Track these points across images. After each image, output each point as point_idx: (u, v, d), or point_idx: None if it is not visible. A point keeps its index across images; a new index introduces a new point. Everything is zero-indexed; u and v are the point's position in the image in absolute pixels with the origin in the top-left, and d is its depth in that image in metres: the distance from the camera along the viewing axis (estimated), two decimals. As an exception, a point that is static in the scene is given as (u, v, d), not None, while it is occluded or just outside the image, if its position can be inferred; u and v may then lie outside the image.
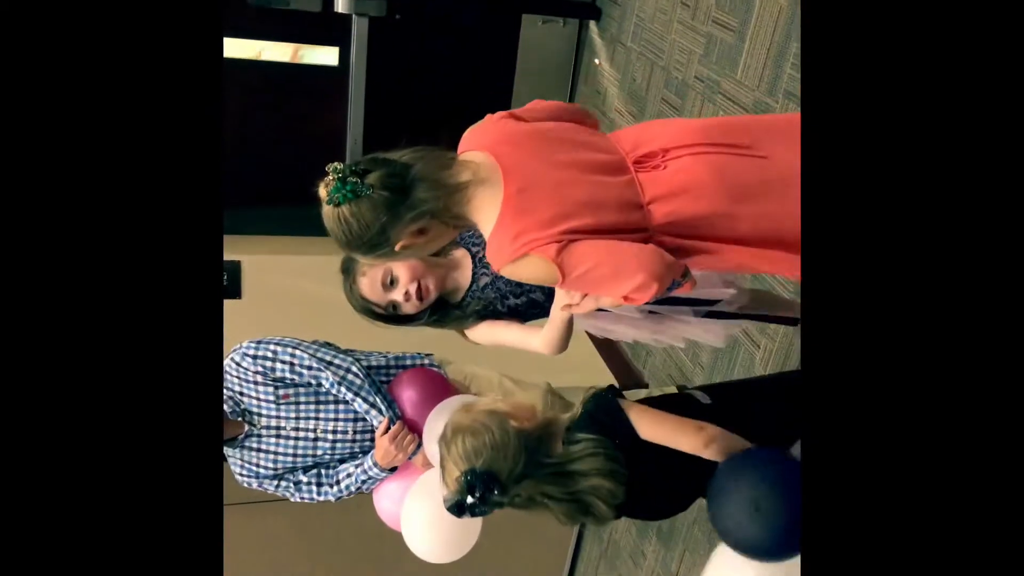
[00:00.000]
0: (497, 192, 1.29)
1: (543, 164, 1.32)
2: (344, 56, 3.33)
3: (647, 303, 1.31)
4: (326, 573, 3.52)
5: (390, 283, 1.74)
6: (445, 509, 1.36)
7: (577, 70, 3.61)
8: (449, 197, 1.31)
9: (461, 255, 1.76)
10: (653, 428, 1.37)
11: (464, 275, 1.76)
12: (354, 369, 2.06)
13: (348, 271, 1.80)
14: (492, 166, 1.32)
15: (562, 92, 3.68)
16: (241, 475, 2.13)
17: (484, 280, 1.75)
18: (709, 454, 1.36)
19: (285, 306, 3.11)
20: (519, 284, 1.68)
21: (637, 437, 1.37)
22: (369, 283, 1.75)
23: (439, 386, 2.15)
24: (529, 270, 1.28)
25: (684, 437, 1.36)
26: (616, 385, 1.53)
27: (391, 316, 1.83)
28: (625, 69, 3.21)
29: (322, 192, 1.31)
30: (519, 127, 1.40)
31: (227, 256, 3.32)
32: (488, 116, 1.45)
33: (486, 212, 1.30)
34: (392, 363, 2.20)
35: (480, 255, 1.74)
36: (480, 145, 1.36)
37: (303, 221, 3.68)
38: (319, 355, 2.06)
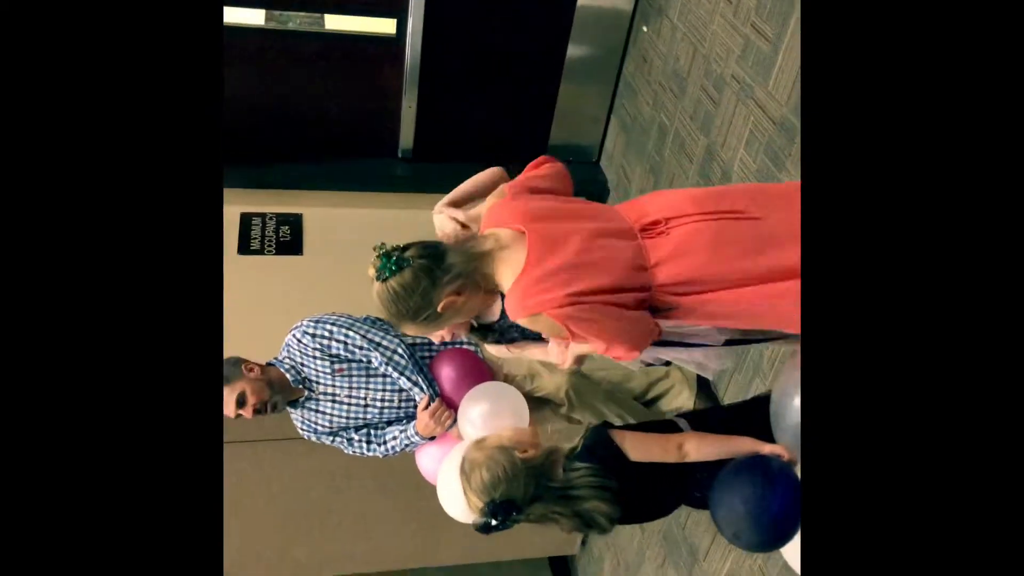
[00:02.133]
0: (519, 257, 1.53)
1: (561, 232, 1.55)
2: (401, 26, 3.48)
3: None
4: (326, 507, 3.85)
5: None
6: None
7: (630, 33, 3.68)
8: (477, 261, 1.55)
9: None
10: (640, 451, 1.65)
11: (494, 311, 1.95)
12: (400, 351, 2.34)
13: None
14: (513, 236, 1.56)
15: (614, 55, 3.76)
16: (302, 429, 2.46)
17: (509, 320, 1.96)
18: (690, 460, 1.66)
19: (345, 261, 3.31)
20: None
21: (627, 461, 1.63)
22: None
23: (474, 366, 2.41)
24: (541, 325, 1.55)
25: (666, 454, 1.65)
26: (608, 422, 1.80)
27: None
28: (670, 45, 3.28)
29: (371, 272, 1.57)
30: (538, 203, 1.62)
31: (289, 210, 3.57)
32: (509, 190, 1.68)
33: (508, 274, 1.55)
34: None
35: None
36: (501, 222, 1.60)
37: (362, 175, 3.92)
38: (369, 336, 2.34)
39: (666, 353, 1.98)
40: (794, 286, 1.53)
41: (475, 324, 1.92)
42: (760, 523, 1.54)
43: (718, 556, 2.98)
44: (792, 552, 1.72)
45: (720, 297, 1.57)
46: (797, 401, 1.63)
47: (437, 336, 1.81)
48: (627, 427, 1.76)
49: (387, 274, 1.56)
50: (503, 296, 2.01)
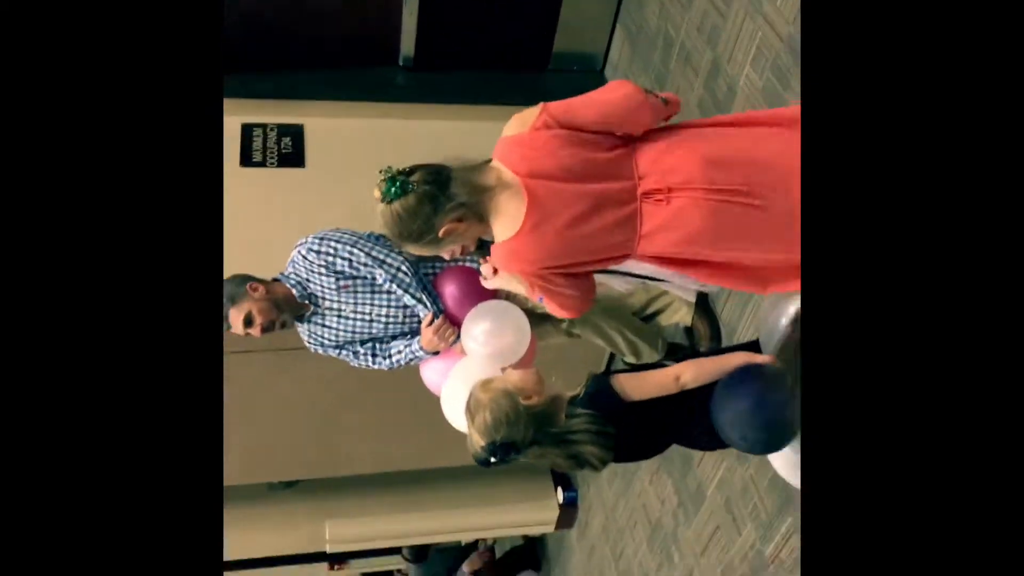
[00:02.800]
0: (516, 209, 1.58)
1: (562, 200, 1.58)
2: (402, -71, 3.37)
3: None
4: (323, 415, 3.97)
5: None
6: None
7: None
8: (479, 194, 1.59)
9: None
10: (640, 390, 1.72)
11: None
12: (404, 268, 2.38)
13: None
14: (516, 181, 1.59)
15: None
16: (309, 343, 2.52)
17: None
18: (688, 387, 1.71)
19: (347, 174, 3.28)
20: None
21: (626, 406, 1.71)
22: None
23: (478, 284, 2.45)
24: (513, 281, 1.72)
25: (665, 387, 1.71)
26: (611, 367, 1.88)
27: None
28: (679, -47, 3.19)
29: (376, 193, 1.60)
30: (555, 156, 1.60)
31: (291, 120, 3.54)
32: (540, 117, 1.63)
33: (503, 226, 1.61)
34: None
35: None
36: (515, 167, 1.60)
37: (363, 84, 3.86)
38: (373, 253, 2.38)
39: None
40: (769, 278, 1.63)
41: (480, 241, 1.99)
42: (764, 419, 1.59)
43: (711, 464, 3.10)
44: (781, 461, 1.79)
45: (700, 272, 1.65)
46: (783, 325, 1.69)
47: (447, 252, 1.86)
48: (623, 371, 1.82)
49: (392, 197, 1.60)
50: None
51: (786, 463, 1.75)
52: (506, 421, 1.62)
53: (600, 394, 1.70)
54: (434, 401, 2.25)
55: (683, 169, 1.58)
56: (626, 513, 3.97)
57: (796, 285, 1.62)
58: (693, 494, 3.24)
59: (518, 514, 4.74)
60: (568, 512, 4.73)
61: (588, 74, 4.03)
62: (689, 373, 1.69)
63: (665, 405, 1.71)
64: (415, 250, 1.72)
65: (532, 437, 1.63)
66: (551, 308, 1.73)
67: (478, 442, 1.66)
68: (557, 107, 1.64)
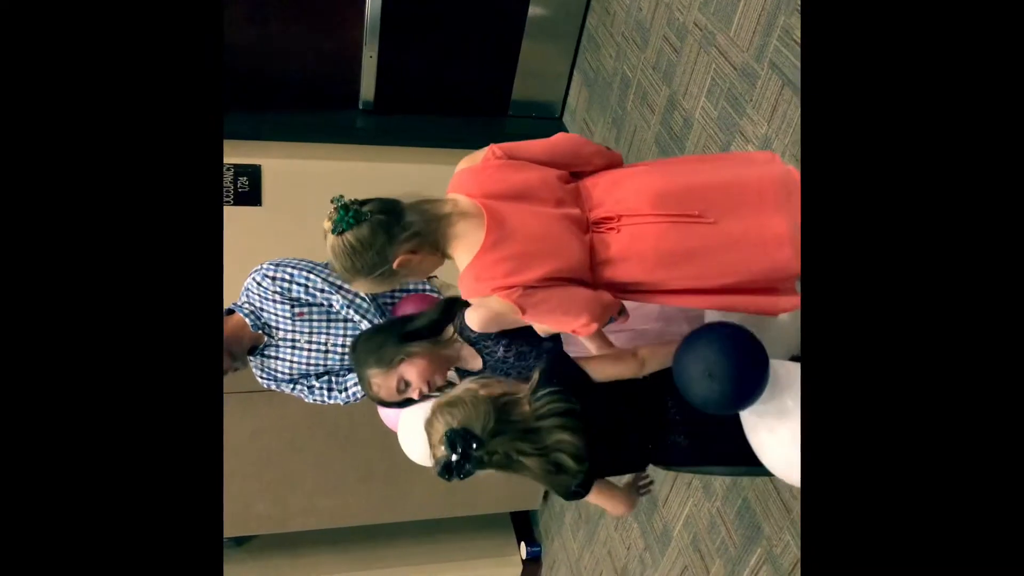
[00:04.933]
0: (477, 233, 1.53)
1: (521, 216, 1.54)
2: (362, -27, 3.43)
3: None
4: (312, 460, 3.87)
5: (404, 387, 1.84)
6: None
7: (592, -15, 3.66)
8: (435, 223, 1.55)
9: (470, 354, 1.89)
10: (600, 371, 1.66)
11: (476, 363, 1.90)
12: (361, 294, 2.32)
13: (363, 380, 1.91)
14: (473, 206, 1.55)
15: (577, 8, 3.74)
16: (261, 377, 2.43)
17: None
18: (650, 371, 1.66)
19: (303, 213, 3.28)
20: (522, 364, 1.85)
21: (587, 377, 1.64)
22: (386, 391, 1.86)
23: (436, 310, 2.42)
24: (493, 304, 1.55)
25: (624, 366, 1.66)
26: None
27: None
28: (634, -4, 3.28)
29: (327, 224, 1.55)
30: (508, 178, 1.60)
31: (249, 160, 3.51)
32: (489, 151, 1.65)
33: (463, 250, 1.55)
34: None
35: (488, 352, 1.86)
36: (470, 192, 1.59)
37: (323, 126, 3.86)
38: (331, 279, 2.32)
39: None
40: (739, 301, 1.58)
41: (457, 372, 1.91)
42: (729, 371, 1.47)
43: (677, 502, 3.03)
44: (781, 463, 1.67)
45: (659, 300, 1.62)
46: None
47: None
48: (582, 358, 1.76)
49: (343, 227, 1.52)
50: (483, 353, 1.90)
51: (785, 462, 1.64)
52: (461, 403, 1.54)
53: (557, 363, 1.64)
54: (393, 449, 2.14)
55: (633, 199, 1.57)
56: (592, 563, 3.86)
57: (768, 303, 1.59)
58: (659, 536, 3.16)
59: (480, 570, 4.59)
60: (532, 568, 4.60)
61: (547, 121, 4.08)
62: (647, 350, 1.65)
63: (629, 388, 1.65)
64: (366, 286, 1.62)
65: (494, 426, 1.52)
66: (550, 326, 1.61)
67: (438, 433, 1.55)
68: (505, 144, 1.67)
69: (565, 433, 1.56)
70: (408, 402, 1.89)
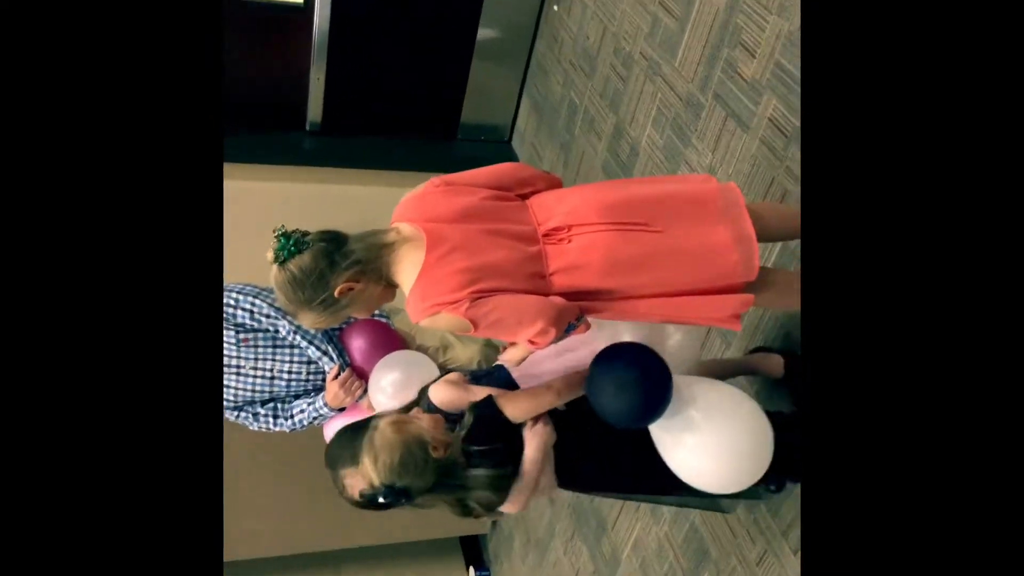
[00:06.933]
0: (418, 254, 1.53)
1: (464, 234, 1.55)
2: (310, -3, 3.41)
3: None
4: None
5: None
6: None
7: (541, 12, 3.70)
8: (377, 251, 1.55)
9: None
10: (517, 408, 1.68)
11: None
12: (309, 321, 2.30)
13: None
14: (415, 232, 1.56)
15: (525, 34, 3.78)
16: (205, 404, 2.38)
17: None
18: (564, 400, 1.70)
19: (249, 236, 3.23)
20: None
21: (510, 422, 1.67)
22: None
23: (386, 336, 2.39)
24: (443, 323, 1.53)
25: (539, 400, 1.69)
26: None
27: None
28: (580, 24, 3.32)
29: (269, 255, 1.54)
30: (450, 202, 1.61)
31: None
32: (429, 182, 1.67)
33: (407, 273, 1.54)
34: (344, 312, 2.43)
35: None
36: (411, 218, 1.60)
37: (270, 148, 3.80)
38: (277, 304, 2.29)
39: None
40: (692, 301, 1.61)
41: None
42: (637, 385, 1.56)
43: (625, 526, 3.05)
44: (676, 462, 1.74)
45: (614, 307, 1.63)
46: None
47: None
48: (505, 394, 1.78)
49: (285, 255, 1.52)
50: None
51: (691, 470, 1.68)
52: (413, 470, 1.55)
53: (485, 415, 1.66)
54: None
55: (582, 209, 1.60)
56: (541, 587, 3.85)
57: (720, 302, 1.62)
58: (608, 560, 3.17)
59: (428, 596, 4.54)
60: (481, 592, 4.56)
61: (496, 144, 4.10)
62: (560, 380, 1.68)
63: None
64: (311, 319, 1.60)
65: (428, 489, 1.58)
66: (505, 337, 1.60)
67: (373, 480, 1.56)
68: (447, 176, 1.69)
69: (490, 491, 1.62)
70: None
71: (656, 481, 1.72)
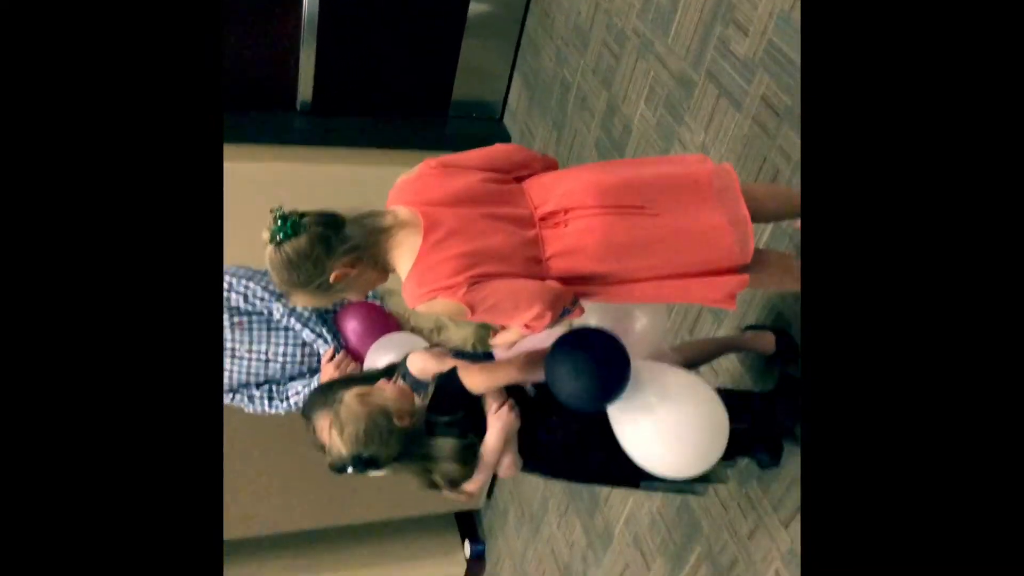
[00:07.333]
0: (415, 239, 1.52)
1: (461, 218, 1.54)
2: (298, -27, 3.37)
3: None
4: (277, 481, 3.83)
5: None
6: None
7: (532, -12, 3.67)
8: (374, 236, 1.54)
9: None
10: (475, 379, 1.71)
11: None
12: (303, 303, 2.30)
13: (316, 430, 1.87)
14: (411, 215, 1.55)
15: (516, 10, 3.74)
16: (200, 387, 2.39)
17: None
18: (525, 377, 1.72)
19: (242, 218, 3.20)
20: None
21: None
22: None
23: (380, 318, 2.40)
24: (440, 307, 1.54)
25: (501, 374, 1.72)
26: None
27: None
28: (572, 0, 3.30)
29: (265, 235, 1.53)
30: (446, 184, 1.61)
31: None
32: (424, 164, 1.66)
33: (404, 258, 1.54)
34: (338, 294, 2.43)
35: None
36: (407, 201, 1.59)
37: (260, 128, 3.77)
38: (270, 287, 2.29)
39: None
40: (689, 283, 1.61)
41: None
42: (593, 368, 1.59)
43: (618, 501, 3.08)
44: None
45: (610, 291, 1.63)
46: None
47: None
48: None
49: (282, 237, 1.50)
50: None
51: (646, 453, 1.71)
52: (378, 440, 1.62)
53: (445, 384, 1.69)
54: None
55: (577, 194, 1.59)
56: (535, 561, 3.90)
57: (719, 282, 1.63)
58: (601, 534, 3.21)
59: (424, 570, 4.59)
60: (476, 565, 4.61)
61: (487, 121, 4.08)
62: (522, 357, 1.70)
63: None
64: (304, 300, 1.60)
65: (395, 457, 1.64)
66: (502, 322, 1.61)
67: (341, 451, 1.64)
68: (441, 157, 1.68)
69: (455, 464, 1.67)
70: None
71: (623, 470, 1.76)
